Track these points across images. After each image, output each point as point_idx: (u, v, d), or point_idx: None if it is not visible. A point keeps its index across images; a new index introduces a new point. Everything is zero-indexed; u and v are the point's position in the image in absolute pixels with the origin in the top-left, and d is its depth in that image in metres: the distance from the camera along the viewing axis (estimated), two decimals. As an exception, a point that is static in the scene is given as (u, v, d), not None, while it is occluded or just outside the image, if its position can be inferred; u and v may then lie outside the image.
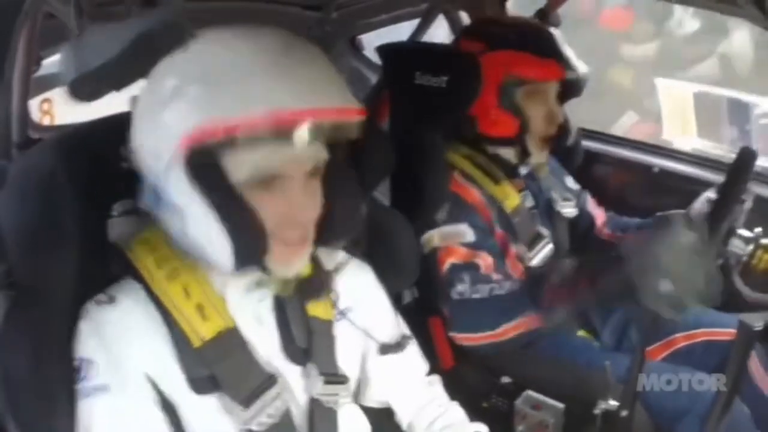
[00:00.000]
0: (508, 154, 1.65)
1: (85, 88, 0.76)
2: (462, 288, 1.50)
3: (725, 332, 1.55)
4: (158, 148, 0.86)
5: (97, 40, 0.76)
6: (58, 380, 0.91)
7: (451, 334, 1.50)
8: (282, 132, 0.84)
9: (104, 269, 0.99)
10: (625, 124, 4.97)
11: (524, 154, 1.64)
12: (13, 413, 0.91)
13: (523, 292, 1.44)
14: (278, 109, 0.82)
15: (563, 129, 1.65)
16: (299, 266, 0.96)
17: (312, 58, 0.91)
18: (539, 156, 1.65)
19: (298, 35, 0.93)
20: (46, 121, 2.26)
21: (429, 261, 1.53)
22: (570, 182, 1.87)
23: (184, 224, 0.89)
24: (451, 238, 1.53)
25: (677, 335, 1.60)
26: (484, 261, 1.53)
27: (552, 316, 1.36)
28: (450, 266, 1.52)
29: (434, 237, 1.54)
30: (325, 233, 0.97)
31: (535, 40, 1.60)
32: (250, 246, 0.88)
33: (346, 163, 1.00)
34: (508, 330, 1.45)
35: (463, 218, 1.54)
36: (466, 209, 1.56)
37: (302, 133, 0.84)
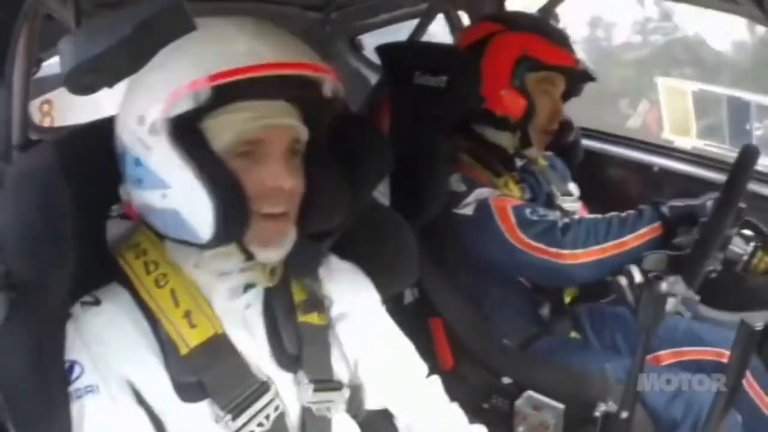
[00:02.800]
0: (507, 141, 1.65)
1: (81, 80, 0.75)
2: (555, 215, 1.47)
3: (716, 352, 1.53)
4: (143, 112, 0.88)
5: (95, 30, 0.75)
6: (55, 381, 0.90)
7: (566, 251, 1.42)
8: (264, 92, 0.89)
9: (102, 271, 0.99)
10: (641, 112, 5.13)
11: (524, 143, 1.64)
12: (12, 414, 0.91)
13: (645, 209, 1.44)
14: (260, 62, 0.86)
15: (565, 126, 1.67)
16: (281, 248, 0.95)
17: (282, 31, 0.95)
18: (535, 149, 1.66)
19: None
20: (46, 123, 2.26)
21: (476, 220, 1.50)
22: (572, 188, 1.86)
23: (166, 197, 0.90)
24: (487, 193, 1.52)
25: (664, 351, 1.58)
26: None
27: (675, 220, 1.39)
28: (513, 206, 1.48)
29: (470, 200, 1.51)
30: (308, 214, 0.98)
31: (550, 28, 1.65)
32: (234, 211, 0.89)
33: (326, 147, 1.01)
34: (633, 239, 1.41)
35: (482, 185, 1.55)
36: (480, 184, 1.57)
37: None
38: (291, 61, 0.90)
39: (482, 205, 1.50)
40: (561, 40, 1.62)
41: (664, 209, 1.41)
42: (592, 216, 1.45)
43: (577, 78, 1.67)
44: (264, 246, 0.94)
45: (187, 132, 0.88)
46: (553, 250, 1.43)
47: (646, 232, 1.41)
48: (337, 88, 0.96)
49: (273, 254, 0.95)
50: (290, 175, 0.93)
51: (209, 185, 0.87)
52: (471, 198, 1.52)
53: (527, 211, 1.47)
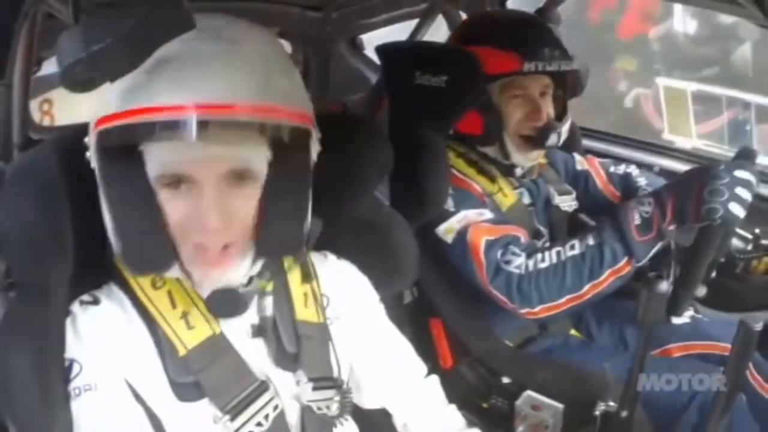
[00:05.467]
0: (493, 153, 1.62)
1: (78, 76, 0.74)
2: (519, 261, 1.40)
3: (723, 347, 1.54)
4: (88, 135, 0.87)
5: (93, 26, 0.74)
6: (56, 380, 0.91)
7: (523, 311, 1.40)
8: (179, 129, 0.78)
9: (102, 270, 0.99)
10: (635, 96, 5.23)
11: (504, 154, 1.60)
12: (11, 414, 0.91)
13: (605, 242, 1.33)
14: (166, 103, 0.78)
15: (547, 127, 1.57)
16: (225, 278, 0.91)
17: (247, 51, 0.84)
18: (521, 157, 1.61)
19: (255, 25, 0.90)
20: (46, 122, 2.25)
21: (457, 250, 1.47)
22: (578, 163, 1.84)
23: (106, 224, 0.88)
24: (471, 219, 1.48)
25: (673, 345, 1.60)
26: (519, 232, 1.48)
27: (643, 253, 1.31)
28: (486, 244, 1.43)
29: (453, 224, 1.48)
30: (261, 241, 0.91)
31: (499, 32, 1.56)
32: (145, 247, 0.86)
33: (294, 169, 0.92)
34: (592, 288, 1.35)
35: (471, 204, 1.52)
36: (472, 199, 1.54)
37: (191, 129, 0.77)
38: (200, 103, 0.78)
39: (460, 238, 1.47)
40: (506, 42, 1.51)
41: (631, 236, 1.30)
42: (549, 261, 1.37)
43: (566, 74, 1.58)
44: (204, 276, 0.90)
45: (121, 156, 0.84)
46: (511, 305, 1.42)
47: (609, 275, 1.34)
48: (311, 132, 0.89)
49: (210, 281, 0.91)
50: (219, 213, 0.84)
51: (118, 221, 0.86)
52: (454, 221, 1.49)
53: (498, 252, 1.42)
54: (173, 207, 0.86)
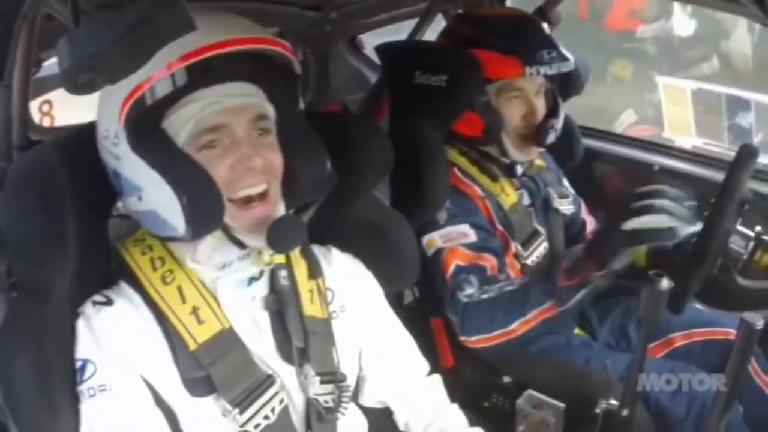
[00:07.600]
0: (495, 151, 1.63)
1: (79, 78, 0.74)
2: (470, 291, 1.47)
3: (723, 331, 1.57)
4: (105, 126, 0.91)
5: (94, 28, 0.75)
6: (59, 381, 0.91)
7: (463, 338, 1.48)
8: (218, 76, 0.89)
9: (103, 270, 1.00)
10: (624, 123, 5.04)
11: (503, 153, 1.61)
12: (14, 414, 0.91)
13: (533, 283, 1.42)
14: (193, 48, 0.84)
15: (544, 126, 1.58)
16: (270, 218, 0.95)
17: (234, 16, 0.94)
18: (520, 154, 1.61)
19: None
20: (46, 123, 2.26)
21: (433, 263, 1.52)
22: (566, 184, 1.86)
23: (142, 199, 0.91)
24: (454, 240, 1.52)
25: (675, 334, 1.62)
26: (489, 263, 1.51)
27: (567, 297, 1.36)
28: (455, 268, 1.50)
29: (436, 239, 1.53)
30: (292, 189, 0.98)
31: (498, 35, 1.55)
32: (202, 202, 0.89)
33: (299, 118, 1.01)
34: (522, 324, 1.42)
35: (464, 218, 1.54)
36: (467, 208, 1.55)
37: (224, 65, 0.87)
38: (238, 38, 0.88)
39: (437, 256, 1.52)
40: (508, 45, 1.51)
41: (558, 280, 1.37)
42: (490, 295, 1.45)
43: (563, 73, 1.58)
44: (250, 232, 0.94)
45: (148, 134, 0.89)
46: (459, 330, 1.49)
47: (538, 314, 1.41)
48: (294, 61, 0.96)
49: (258, 236, 0.94)
50: (260, 154, 0.93)
51: (173, 181, 0.88)
52: (437, 235, 1.52)
53: (461, 277, 1.48)
54: (216, 165, 0.91)
